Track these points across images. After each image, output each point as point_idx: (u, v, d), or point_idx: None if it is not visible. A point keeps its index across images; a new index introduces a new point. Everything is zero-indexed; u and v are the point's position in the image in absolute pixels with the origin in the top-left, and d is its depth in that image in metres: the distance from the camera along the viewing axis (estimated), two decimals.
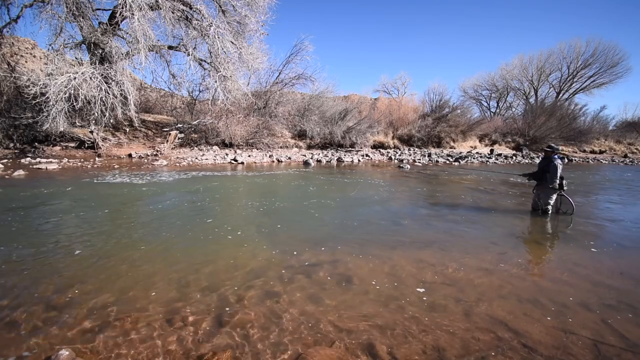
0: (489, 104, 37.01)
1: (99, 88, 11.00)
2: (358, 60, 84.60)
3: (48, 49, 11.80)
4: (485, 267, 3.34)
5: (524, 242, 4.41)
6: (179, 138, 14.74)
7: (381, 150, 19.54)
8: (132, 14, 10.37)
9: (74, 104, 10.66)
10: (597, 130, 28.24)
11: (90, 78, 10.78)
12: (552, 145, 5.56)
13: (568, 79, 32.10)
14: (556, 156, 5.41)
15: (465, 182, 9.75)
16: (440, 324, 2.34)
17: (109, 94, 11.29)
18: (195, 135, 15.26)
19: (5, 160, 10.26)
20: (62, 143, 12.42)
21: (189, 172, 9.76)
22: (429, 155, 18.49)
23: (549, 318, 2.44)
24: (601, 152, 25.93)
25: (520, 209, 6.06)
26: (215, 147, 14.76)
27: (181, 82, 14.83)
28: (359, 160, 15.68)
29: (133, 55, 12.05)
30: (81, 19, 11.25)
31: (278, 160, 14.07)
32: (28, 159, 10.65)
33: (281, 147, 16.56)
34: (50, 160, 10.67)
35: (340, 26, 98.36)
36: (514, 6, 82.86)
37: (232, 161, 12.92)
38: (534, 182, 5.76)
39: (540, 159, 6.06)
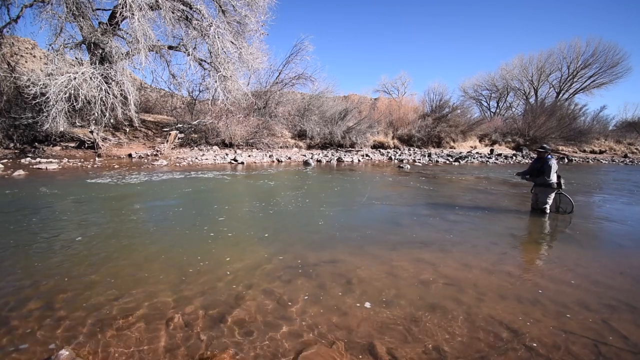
0: (489, 104, 37.08)
1: (99, 88, 11.00)
2: (358, 60, 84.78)
3: (48, 49, 11.83)
4: (485, 267, 3.34)
5: (524, 242, 4.41)
6: (179, 138, 14.74)
7: (381, 150, 19.54)
8: (132, 14, 10.37)
9: (74, 104, 10.66)
10: (597, 130, 28.24)
11: (90, 78, 10.79)
12: (545, 145, 5.63)
13: (568, 79, 32.13)
14: (549, 156, 5.46)
15: (465, 182, 9.75)
16: (440, 324, 2.34)
17: (109, 94, 11.29)
18: (195, 135, 15.26)
19: (5, 160, 10.26)
20: (62, 143, 12.43)
21: (189, 172, 9.76)
22: (429, 155, 18.49)
23: (549, 318, 2.44)
24: (601, 152, 25.92)
25: (520, 209, 6.06)
26: (215, 147, 14.76)
27: (181, 82, 14.83)
28: (359, 160, 15.67)
29: (133, 55, 12.05)
30: (81, 19, 11.25)
31: (278, 160, 14.07)
32: (28, 159, 10.65)
33: (281, 147, 16.56)
34: (50, 160, 10.68)
35: (340, 26, 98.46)
36: (514, 6, 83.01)
37: (232, 161, 12.91)
38: (531, 181, 5.77)
39: (532, 160, 6.07)
